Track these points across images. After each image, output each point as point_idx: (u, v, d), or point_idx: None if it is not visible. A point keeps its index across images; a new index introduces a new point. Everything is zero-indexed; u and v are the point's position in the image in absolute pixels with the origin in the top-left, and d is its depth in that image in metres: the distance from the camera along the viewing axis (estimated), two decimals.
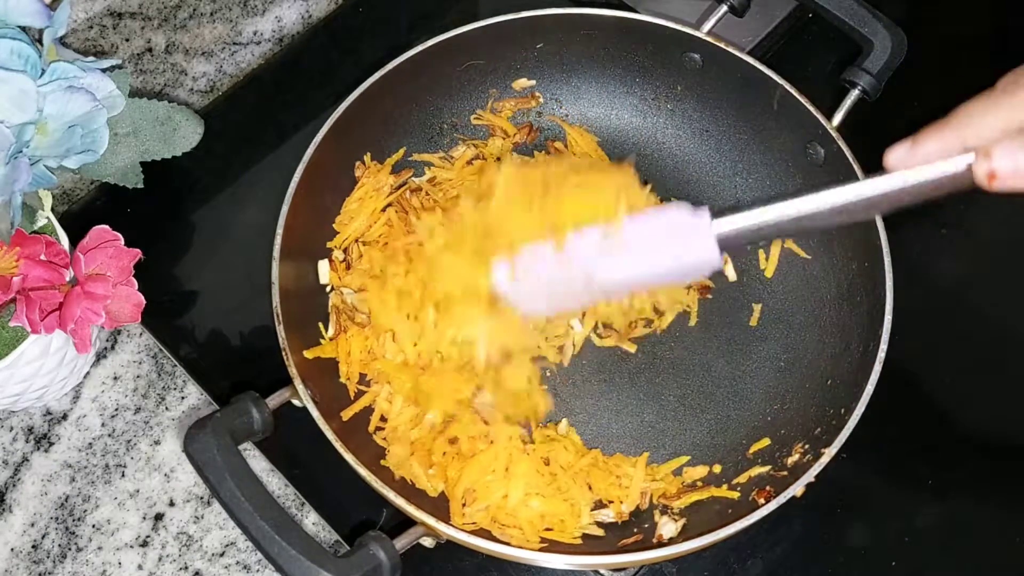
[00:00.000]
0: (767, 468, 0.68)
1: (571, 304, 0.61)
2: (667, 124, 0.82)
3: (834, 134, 0.71)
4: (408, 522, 0.62)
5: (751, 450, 0.69)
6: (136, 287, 0.69)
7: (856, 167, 0.70)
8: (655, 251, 0.52)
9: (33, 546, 0.72)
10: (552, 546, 0.64)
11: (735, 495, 0.67)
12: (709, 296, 0.76)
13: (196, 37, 0.93)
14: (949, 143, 0.46)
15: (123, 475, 0.74)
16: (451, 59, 0.78)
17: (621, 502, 0.67)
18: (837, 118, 0.72)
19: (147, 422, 0.76)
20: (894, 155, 0.48)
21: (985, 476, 0.72)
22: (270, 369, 0.68)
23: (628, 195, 0.55)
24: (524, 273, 0.56)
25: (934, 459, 0.72)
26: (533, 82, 0.82)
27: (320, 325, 0.73)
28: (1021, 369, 0.76)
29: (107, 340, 0.79)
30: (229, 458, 0.59)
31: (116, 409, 0.76)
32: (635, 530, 0.67)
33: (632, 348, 0.74)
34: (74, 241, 0.69)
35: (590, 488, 0.67)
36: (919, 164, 0.47)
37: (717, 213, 0.51)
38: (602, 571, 0.63)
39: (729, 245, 0.51)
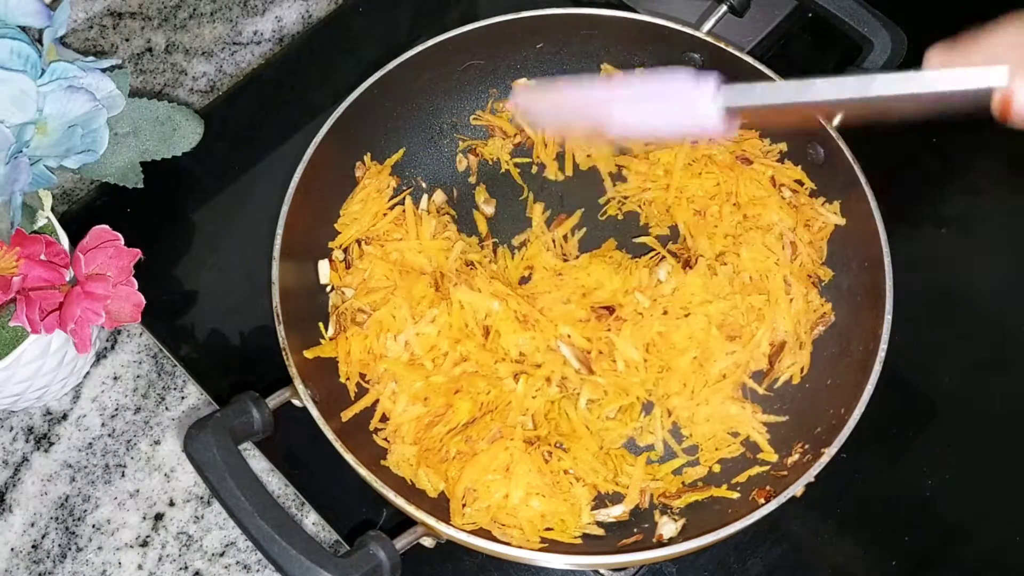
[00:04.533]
0: (767, 468, 0.68)
1: (576, 130, 0.66)
2: None
3: (834, 133, 0.71)
4: (408, 522, 0.62)
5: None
6: (136, 287, 0.69)
7: (855, 166, 0.70)
8: (662, 110, 0.54)
9: (33, 546, 0.72)
10: (552, 546, 0.64)
11: (735, 495, 0.67)
12: None
13: (196, 37, 0.93)
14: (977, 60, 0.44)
15: (123, 475, 0.74)
16: (451, 59, 0.78)
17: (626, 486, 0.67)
18: (837, 118, 0.72)
19: (147, 422, 0.76)
20: (933, 55, 0.45)
21: (985, 475, 0.72)
22: (270, 369, 0.68)
23: None
24: (547, 92, 0.65)
25: (934, 458, 0.72)
26: (533, 82, 0.82)
27: (320, 325, 0.73)
28: (1022, 368, 0.76)
29: (107, 340, 0.79)
30: (229, 458, 0.59)
31: (116, 409, 0.76)
32: (635, 530, 0.67)
33: None
34: (74, 241, 0.69)
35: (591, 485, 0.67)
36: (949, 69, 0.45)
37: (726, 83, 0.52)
38: (602, 571, 0.63)
39: (735, 113, 0.52)
